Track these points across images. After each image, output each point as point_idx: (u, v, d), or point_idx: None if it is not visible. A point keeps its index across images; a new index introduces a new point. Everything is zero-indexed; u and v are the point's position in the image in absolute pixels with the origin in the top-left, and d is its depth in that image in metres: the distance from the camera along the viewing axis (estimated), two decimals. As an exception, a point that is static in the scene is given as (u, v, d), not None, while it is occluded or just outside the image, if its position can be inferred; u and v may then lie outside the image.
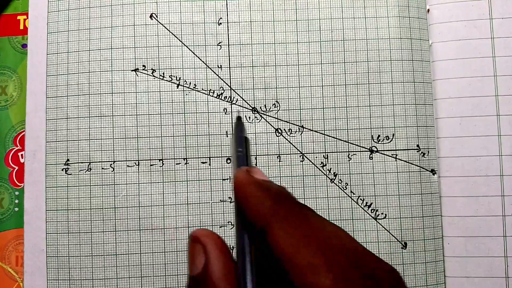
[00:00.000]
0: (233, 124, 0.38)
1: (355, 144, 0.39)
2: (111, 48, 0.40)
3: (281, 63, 0.40)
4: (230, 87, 0.39)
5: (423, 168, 0.38)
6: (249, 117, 0.39)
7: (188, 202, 0.38)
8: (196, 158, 0.39)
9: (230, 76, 0.39)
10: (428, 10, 0.40)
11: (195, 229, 0.27)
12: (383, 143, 0.39)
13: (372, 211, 0.38)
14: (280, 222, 0.23)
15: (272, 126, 0.39)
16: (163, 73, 0.39)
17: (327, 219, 0.35)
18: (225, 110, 0.39)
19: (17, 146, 0.41)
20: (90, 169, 0.39)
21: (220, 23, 0.40)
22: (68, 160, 0.39)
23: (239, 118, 0.36)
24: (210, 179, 0.39)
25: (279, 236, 0.23)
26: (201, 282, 0.25)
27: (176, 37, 0.40)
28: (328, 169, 0.39)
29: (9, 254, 0.39)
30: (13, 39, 0.42)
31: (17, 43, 0.42)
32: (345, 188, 0.39)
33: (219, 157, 0.39)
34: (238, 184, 0.28)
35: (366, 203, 0.38)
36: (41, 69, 0.40)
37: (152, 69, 0.39)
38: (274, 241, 0.22)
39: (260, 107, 0.39)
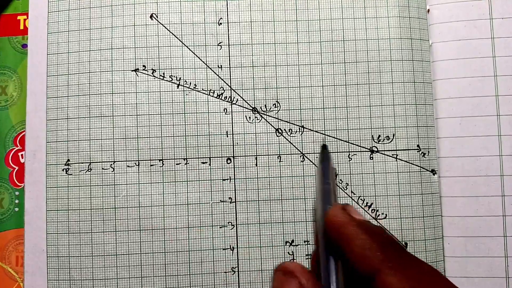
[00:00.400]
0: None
1: (355, 144, 0.39)
2: (112, 48, 0.40)
3: (281, 63, 0.40)
4: (230, 87, 0.39)
5: (424, 168, 0.39)
6: (249, 117, 0.39)
7: (188, 202, 0.38)
8: (196, 158, 0.39)
9: (230, 76, 0.39)
10: (428, 10, 0.40)
11: (285, 262, 0.27)
12: (384, 143, 0.39)
13: (373, 211, 0.38)
14: (393, 268, 0.23)
15: (273, 126, 0.39)
16: (163, 73, 0.39)
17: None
18: (225, 110, 0.39)
19: (17, 146, 0.41)
20: (91, 169, 0.39)
21: (221, 23, 0.40)
22: (68, 160, 0.39)
23: (324, 147, 0.36)
24: (210, 179, 0.39)
25: (394, 284, 0.22)
26: None
27: (176, 37, 0.40)
28: (328, 169, 0.39)
29: (9, 254, 0.39)
30: (13, 39, 0.42)
31: (17, 43, 0.42)
32: (345, 188, 0.39)
33: (219, 157, 0.39)
34: (337, 223, 0.27)
35: (367, 203, 0.38)
36: (41, 69, 0.40)
37: (152, 69, 0.39)
38: None
39: (261, 107, 0.39)
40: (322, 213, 0.30)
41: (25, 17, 0.42)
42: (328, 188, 0.32)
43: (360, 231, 0.25)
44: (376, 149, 0.39)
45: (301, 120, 0.39)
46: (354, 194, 0.38)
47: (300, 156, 0.39)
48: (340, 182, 0.39)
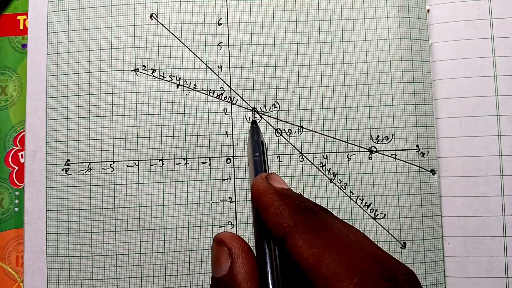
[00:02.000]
0: (249, 128, 0.38)
1: (354, 144, 0.39)
2: (111, 48, 0.40)
3: (281, 63, 0.40)
4: (230, 87, 0.39)
5: (423, 168, 0.39)
6: (249, 117, 0.39)
7: (188, 202, 0.38)
8: (196, 158, 0.39)
9: (230, 77, 0.40)
10: (428, 10, 0.40)
11: (220, 232, 0.28)
12: (383, 143, 0.39)
13: (372, 211, 0.38)
14: (300, 232, 0.23)
15: (272, 126, 0.39)
16: (163, 73, 0.39)
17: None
18: (225, 110, 0.39)
19: (17, 146, 0.41)
20: (90, 169, 0.39)
21: (220, 24, 0.40)
22: (68, 160, 0.39)
23: (254, 122, 0.37)
24: (210, 179, 0.39)
25: (300, 246, 0.23)
26: (225, 284, 0.26)
27: (176, 37, 0.40)
28: (327, 169, 0.39)
29: (9, 254, 0.39)
30: (13, 39, 0.42)
31: (17, 43, 0.42)
32: (344, 188, 0.39)
33: (219, 157, 0.39)
34: (256, 192, 0.28)
35: (366, 203, 0.38)
36: (41, 69, 0.40)
37: (152, 69, 0.39)
38: (296, 251, 0.23)
39: (260, 108, 0.39)
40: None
41: (25, 17, 0.42)
42: (258, 161, 0.32)
43: (276, 198, 0.26)
44: (375, 149, 0.39)
45: (300, 121, 0.39)
46: (353, 194, 0.39)
47: (299, 156, 0.39)
48: (339, 182, 0.39)
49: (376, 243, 0.37)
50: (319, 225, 0.24)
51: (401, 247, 0.38)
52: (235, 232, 0.38)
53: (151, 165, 0.39)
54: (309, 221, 0.24)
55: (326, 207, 0.37)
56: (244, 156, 0.39)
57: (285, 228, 0.24)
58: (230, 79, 0.39)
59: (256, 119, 0.39)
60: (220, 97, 0.39)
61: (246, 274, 0.25)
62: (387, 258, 0.23)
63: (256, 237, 0.28)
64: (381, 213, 0.38)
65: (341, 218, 0.37)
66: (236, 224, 0.38)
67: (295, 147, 0.39)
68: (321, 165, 0.39)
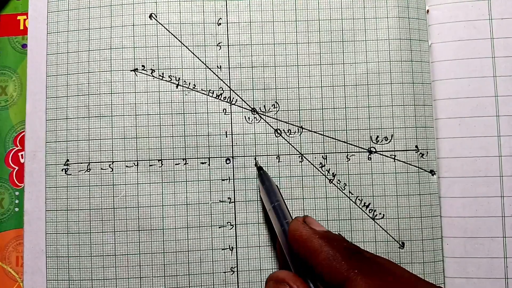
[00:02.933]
0: (254, 169, 0.39)
1: (354, 145, 0.39)
2: (111, 48, 0.39)
3: (280, 63, 0.39)
4: (229, 87, 0.39)
5: (422, 169, 0.38)
6: (249, 118, 0.39)
7: (188, 203, 0.38)
8: (195, 158, 0.39)
9: (229, 77, 0.39)
10: (428, 11, 0.40)
11: (276, 271, 0.28)
12: (382, 144, 0.39)
13: (370, 211, 0.38)
14: (360, 276, 0.24)
15: (271, 127, 0.39)
16: (163, 73, 0.39)
17: (327, 219, 0.35)
18: (224, 111, 0.39)
19: (17, 146, 0.40)
20: (90, 169, 0.39)
21: (220, 24, 0.40)
22: (68, 160, 0.39)
23: (260, 168, 0.37)
24: (209, 180, 0.38)
25: None
26: None
27: (175, 37, 0.40)
28: (327, 170, 0.39)
29: (9, 254, 0.39)
30: (13, 39, 0.42)
31: (17, 43, 0.42)
32: (343, 189, 0.38)
33: (219, 157, 0.39)
34: (299, 237, 0.28)
35: (364, 203, 0.38)
36: (41, 69, 0.40)
37: (151, 69, 0.39)
38: None
39: (260, 108, 0.39)
40: (281, 230, 0.31)
41: (25, 17, 0.42)
42: (279, 206, 0.33)
43: (323, 243, 0.26)
44: (374, 150, 0.39)
45: (300, 121, 0.39)
46: (352, 194, 0.38)
47: (299, 156, 0.39)
48: (338, 182, 0.39)
49: (374, 243, 0.38)
50: (375, 267, 0.25)
51: (399, 247, 0.38)
52: (234, 232, 0.38)
53: (150, 166, 0.38)
54: (364, 264, 0.25)
55: (325, 208, 0.38)
56: (244, 156, 0.39)
57: (343, 273, 0.24)
58: (229, 79, 0.39)
59: (260, 165, 0.38)
60: (219, 97, 0.39)
61: None
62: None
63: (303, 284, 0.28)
64: (380, 214, 0.38)
65: (340, 218, 0.38)
66: (235, 224, 0.38)
67: (294, 148, 0.39)
68: (321, 165, 0.39)
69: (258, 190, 0.38)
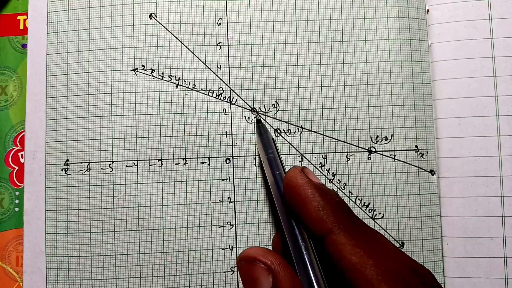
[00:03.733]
0: (254, 127, 0.38)
1: (353, 145, 0.39)
2: (111, 48, 0.39)
3: (280, 63, 0.39)
4: (229, 87, 0.39)
5: (422, 169, 0.38)
6: (249, 117, 0.39)
7: (187, 202, 0.38)
8: (195, 158, 0.38)
9: (229, 76, 0.39)
10: (428, 11, 0.40)
11: (245, 250, 0.26)
12: (382, 144, 0.39)
13: (370, 211, 0.38)
14: (344, 230, 0.24)
15: (271, 126, 0.39)
16: (162, 73, 0.39)
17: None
18: (224, 111, 0.39)
19: (17, 146, 0.40)
20: (89, 169, 0.38)
21: (220, 23, 0.40)
22: (67, 160, 0.39)
23: (259, 121, 0.37)
24: (209, 179, 0.38)
25: (343, 244, 0.23)
26: None
27: (175, 37, 0.39)
28: (326, 169, 0.38)
29: (9, 254, 0.39)
30: (13, 39, 0.41)
31: (17, 43, 0.41)
32: (343, 188, 0.38)
33: (219, 157, 0.39)
34: (294, 184, 0.28)
35: (364, 203, 0.38)
36: (41, 69, 0.39)
37: (151, 69, 0.39)
38: (338, 249, 0.23)
39: (260, 108, 0.39)
40: (275, 179, 0.31)
41: (25, 17, 0.41)
42: (273, 156, 0.33)
43: (316, 193, 0.26)
44: (374, 150, 0.39)
45: (299, 121, 0.39)
46: (352, 194, 0.38)
47: (299, 156, 0.39)
48: (338, 182, 0.38)
49: None
50: (361, 227, 0.25)
51: (399, 247, 0.38)
52: (234, 232, 0.38)
53: (150, 165, 0.38)
54: (351, 221, 0.25)
55: None
56: (244, 156, 0.38)
57: (328, 224, 0.24)
58: (229, 79, 0.39)
59: (260, 117, 0.38)
60: (219, 97, 0.39)
61: (293, 286, 0.24)
62: (416, 263, 0.24)
63: (290, 236, 0.27)
64: (380, 213, 0.38)
65: None
66: (235, 224, 0.38)
67: (294, 147, 0.39)
68: (321, 165, 0.38)
69: (255, 144, 0.38)
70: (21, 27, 0.42)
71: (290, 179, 0.28)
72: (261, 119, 0.38)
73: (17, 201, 0.40)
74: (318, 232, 0.25)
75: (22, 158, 0.40)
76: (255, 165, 0.38)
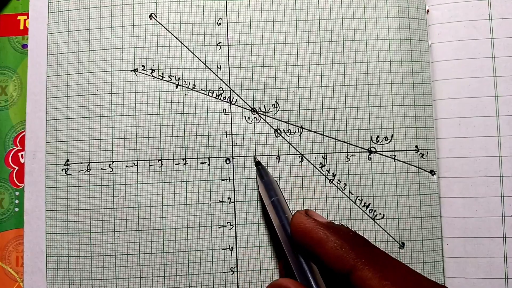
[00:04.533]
0: (254, 169, 0.38)
1: (354, 145, 0.38)
2: (111, 48, 0.39)
3: (280, 63, 0.39)
4: (229, 87, 0.39)
5: (422, 169, 0.38)
6: (249, 118, 0.39)
7: (187, 203, 0.38)
8: (195, 158, 0.38)
9: (229, 77, 0.39)
10: (428, 11, 0.39)
11: (279, 280, 0.28)
12: (382, 144, 0.38)
13: (370, 211, 0.38)
14: (367, 265, 0.25)
15: (271, 127, 0.39)
16: (162, 73, 0.39)
17: (327, 219, 0.35)
18: (224, 111, 0.39)
19: (17, 146, 0.40)
20: (90, 169, 0.38)
21: (220, 23, 0.39)
22: (67, 160, 0.38)
23: (258, 163, 0.37)
24: (209, 180, 0.38)
25: (370, 279, 0.24)
26: None
27: (175, 37, 0.39)
28: (327, 170, 0.38)
29: (9, 254, 0.39)
30: (13, 39, 0.41)
31: (17, 43, 0.41)
32: (343, 189, 0.38)
33: (218, 157, 0.38)
34: (303, 229, 0.28)
35: (365, 203, 0.38)
36: (41, 69, 0.39)
37: (151, 69, 0.39)
38: (365, 284, 0.24)
39: (260, 108, 0.39)
40: (280, 225, 0.31)
41: (25, 17, 0.41)
42: (278, 201, 0.33)
43: (329, 233, 0.26)
44: (374, 150, 0.38)
45: (300, 121, 0.39)
46: (352, 194, 0.38)
47: (299, 156, 0.38)
48: (338, 182, 0.38)
49: (374, 243, 0.37)
50: (381, 256, 0.26)
51: (399, 247, 0.37)
52: (234, 232, 0.38)
53: (150, 166, 0.38)
54: (371, 252, 0.26)
55: (325, 208, 0.38)
56: (244, 156, 0.38)
57: (350, 261, 0.25)
58: (229, 79, 0.39)
59: (259, 160, 0.38)
60: (219, 97, 0.39)
61: None
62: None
63: (301, 276, 0.28)
64: (380, 214, 0.38)
65: (340, 219, 0.38)
66: (235, 224, 0.38)
67: (294, 148, 0.38)
68: (321, 165, 0.38)
69: (257, 187, 0.38)
70: (21, 27, 0.41)
71: (298, 225, 0.29)
72: (260, 161, 0.38)
73: (17, 201, 0.39)
74: (341, 271, 0.25)
75: (22, 158, 0.40)
76: (254, 160, 0.38)
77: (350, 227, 0.38)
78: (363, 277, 0.24)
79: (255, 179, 0.38)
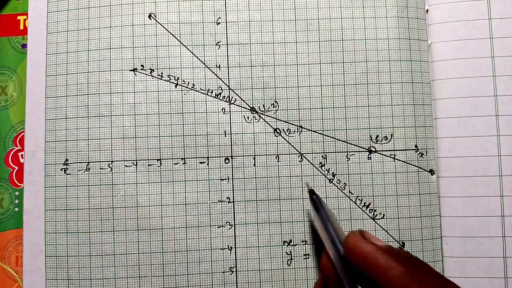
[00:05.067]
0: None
1: (353, 144, 0.38)
2: (110, 48, 0.39)
3: (279, 63, 0.39)
4: (228, 87, 0.39)
5: (422, 169, 0.38)
6: (248, 117, 0.38)
7: (186, 202, 0.38)
8: (194, 158, 0.38)
9: (228, 76, 0.39)
10: (427, 10, 0.39)
11: None
12: (382, 143, 0.38)
13: (370, 211, 0.37)
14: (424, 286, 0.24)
15: (271, 126, 0.38)
16: (162, 73, 0.39)
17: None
18: (223, 110, 0.38)
19: (17, 146, 0.40)
20: (89, 169, 0.38)
21: (219, 23, 0.39)
22: (67, 160, 0.38)
23: (312, 192, 0.35)
24: (208, 179, 0.38)
25: None
26: None
27: (174, 36, 0.39)
28: (326, 169, 0.38)
29: (9, 254, 0.39)
30: (13, 39, 0.41)
31: (17, 43, 0.41)
32: (343, 188, 0.38)
33: (217, 157, 0.38)
34: (361, 253, 0.27)
35: (365, 203, 0.38)
36: (40, 69, 0.39)
37: (150, 69, 0.39)
38: None
39: (259, 107, 0.38)
40: (336, 253, 0.29)
41: (25, 17, 0.41)
42: (330, 229, 0.31)
43: (392, 259, 0.26)
44: (374, 149, 0.38)
45: (299, 120, 0.38)
46: (352, 194, 0.38)
47: (298, 156, 0.38)
48: (338, 182, 0.38)
49: None
50: (437, 279, 0.25)
51: (400, 248, 0.37)
52: (233, 232, 0.37)
53: (149, 165, 0.38)
54: (433, 279, 0.25)
55: None
56: (243, 156, 0.38)
57: (409, 285, 0.24)
58: (228, 78, 0.39)
59: (312, 188, 0.37)
60: (218, 97, 0.38)
61: None
62: None
63: None
64: (380, 214, 0.37)
65: (340, 219, 0.37)
66: (234, 224, 0.37)
67: (294, 147, 0.38)
68: (321, 165, 0.38)
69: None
70: (21, 27, 0.41)
71: (353, 248, 0.28)
72: (314, 190, 0.36)
73: (17, 201, 0.39)
74: None
75: (22, 158, 0.40)
76: (254, 165, 0.38)
77: (350, 227, 0.37)
78: None
79: (254, 179, 0.37)
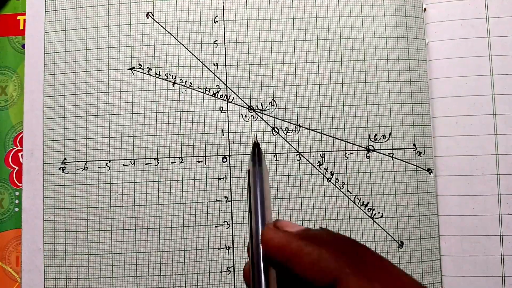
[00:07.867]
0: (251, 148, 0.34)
1: (352, 143, 0.37)
2: (108, 47, 0.37)
3: (277, 61, 0.37)
4: (226, 85, 0.37)
5: (419, 167, 0.36)
6: (246, 116, 0.37)
7: (184, 201, 0.36)
8: (191, 157, 0.36)
9: (226, 74, 0.37)
10: (425, 9, 0.38)
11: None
12: (380, 142, 0.37)
13: (369, 210, 0.36)
14: (352, 273, 0.20)
15: (269, 125, 0.37)
16: (159, 72, 0.37)
17: (325, 219, 0.32)
18: (221, 109, 0.37)
19: (17, 146, 0.38)
20: (87, 168, 0.37)
21: (216, 21, 0.38)
22: (65, 159, 0.37)
23: (257, 145, 0.29)
24: (206, 178, 0.36)
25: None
26: None
27: (172, 35, 0.38)
28: (325, 168, 0.36)
29: (9, 254, 0.37)
30: (13, 39, 0.40)
31: (17, 43, 0.40)
32: (342, 187, 0.36)
33: (215, 155, 0.36)
34: (274, 246, 0.23)
35: (363, 202, 0.36)
36: (38, 68, 0.38)
37: (148, 67, 0.37)
38: None
39: (257, 106, 0.37)
40: (256, 228, 0.26)
41: (24, 17, 0.40)
42: (257, 206, 0.27)
43: (304, 244, 0.22)
44: (372, 148, 0.37)
45: (297, 119, 0.37)
46: (350, 193, 0.36)
47: (297, 155, 0.37)
48: (337, 181, 0.36)
49: (373, 242, 0.36)
50: (368, 258, 0.22)
51: (398, 247, 0.36)
52: (230, 232, 0.36)
53: (146, 164, 0.37)
54: (355, 257, 0.22)
55: (324, 207, 0.36)
56: (240, 155, 0.37)
57: (332, 273, 0.21)
58: (226, 77, 0.37)
59: (259, 142, 0.33)
60: (216, 95, 0.37)
61: None
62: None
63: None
64: (379, 213, 0.36)
65: (339, 218, 0.36)
66: (232, 223, 0.36)
67: (292, 146, 0.37)
68: (319, 164, 0.37)
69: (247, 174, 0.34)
70: (21, 27, 0.40)
71: (267, 242, 0.24)
72: (260, 144, 0.33)
73: (17, 201, 0.38)
74: (324, 285, 0.21)
75: (22, 158, 0.38)
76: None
77: (349, 227, 0.36)
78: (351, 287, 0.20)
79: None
